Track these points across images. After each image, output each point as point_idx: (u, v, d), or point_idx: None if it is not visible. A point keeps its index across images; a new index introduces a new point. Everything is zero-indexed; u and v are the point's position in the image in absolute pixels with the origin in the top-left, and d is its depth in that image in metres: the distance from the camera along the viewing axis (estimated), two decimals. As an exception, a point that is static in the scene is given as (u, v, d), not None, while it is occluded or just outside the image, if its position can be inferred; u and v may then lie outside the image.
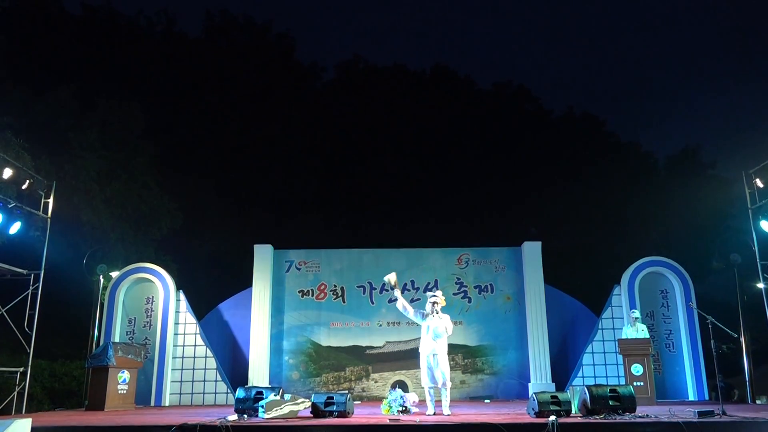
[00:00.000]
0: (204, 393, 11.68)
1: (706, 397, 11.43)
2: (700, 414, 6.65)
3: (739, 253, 12.46)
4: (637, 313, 10.60)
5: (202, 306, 13.30)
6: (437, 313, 7.87)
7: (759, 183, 11.12)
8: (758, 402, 11.01)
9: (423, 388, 7.95)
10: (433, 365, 7.69)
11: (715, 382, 10.73)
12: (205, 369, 11.80)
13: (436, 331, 7.75)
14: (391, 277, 8.16)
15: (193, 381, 11.76)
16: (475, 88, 27.00)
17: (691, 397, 11.48)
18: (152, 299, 12.18)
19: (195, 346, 11.95)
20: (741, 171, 11.60)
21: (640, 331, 10.23)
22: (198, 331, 12.02)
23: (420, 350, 7.88)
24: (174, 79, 21.40)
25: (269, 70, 23.78)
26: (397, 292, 8.15)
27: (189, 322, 12.08)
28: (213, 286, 16.35)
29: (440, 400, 7.77)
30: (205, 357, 11.86)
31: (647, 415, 6.80)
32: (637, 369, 9.80)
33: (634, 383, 9.43)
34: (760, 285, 11.22)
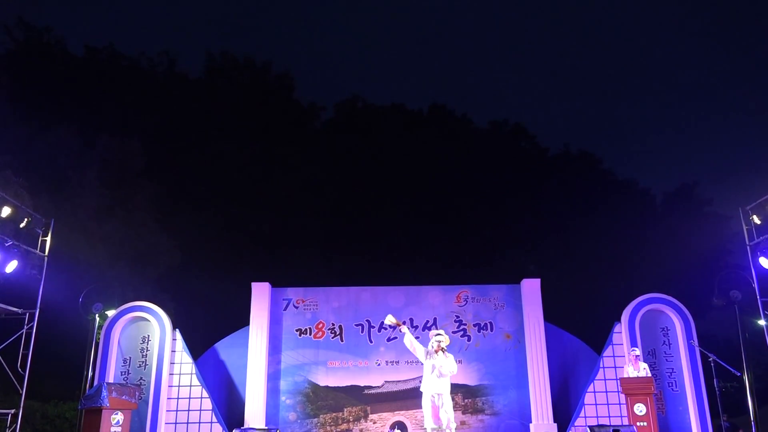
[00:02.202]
0: (199, 435, 11.43)
1: (711, 438, 11.21)
2: (705, 455, 6.52)
3: (739, 290, 12.41)
4: (638, 351, 10.50)
5: (199, 345, 13.13)
6: (442, 351, 7.78)
7: (756, 219, 11.19)
8: (764, 442, 10.80)
9: (425, 429, 7.80)
10: (437, 405, 7.55)
11: (719, 421, 10.57)
12: (200, 410, 11.58)
13: (441, 371, 7.64)
14: (390, 319, 8.08)
15: (188, 423, 11.53)
16: (471, 127, 27.39)
17: (696, 437, 11.26)
18: (148, 338, 12.04)
19: (190, 386, 11.76)
20: (738, 207, 11.67)
21: (642, 370, 10.11)
22: (194, 371, 11.84)
23: (423, 389, 7.74)
24: (174, 119, 21.69)
25: (269, 110, 24.13)
26: (404, 328, 8.07)
27: (185, 362, 11.92)
28: (210, 325, 16.21)
29: (442, 441, 7.62)
30: (201, 398, 11.66)
31: (651, 457, 6.66)
32: (639, 409, 9.65)
33: (638, 423, 9.28)
34: (761, 322, 11.16)
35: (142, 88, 22.13)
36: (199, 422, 11.48)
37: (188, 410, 11.57)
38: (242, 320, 12.90)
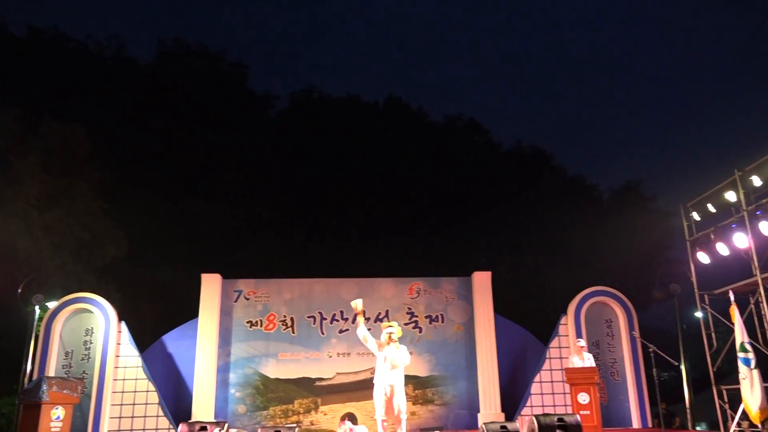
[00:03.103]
0: (145, 429, 11.16)
1: (649, 425, 11.64)
2: (644, 442, 6.76)
3: (679, 284, 12.91)
4: (582, 342, 10.78)
5: (146, 337, 12.81)
6: (394, 343, 7.79)
7: (696, 216, 11.63)
8: (698, 428, 11.29)
9: (375, 420, 7.80)
10: (389, 397, 7.55)
11: (657, 409, 10.98)
12: (146, 404, 11.29)
13: (393, 363, 7.65)
14: (358, 304, 8.00)
15: (133, 417, 11.23)
16: (426, 121, 27.48)
17: (635, 424, 11.67)
18: (92, 331, 11.65)
19: (136, 379, 11.45)
20: (679, 204, 12.11)
21: (587, 360, 10.38)
22: (140, 364, 11.54)
23: (376, 381, 7.73)
24: (123, 105, 20.98)
25: (222, 98, 23.62)
26: (361, 319, 8.02)
27: (131, 355, 11.59)
28: (157, 317, 15.84)
29: (394, 432, 7.65)
30: (147, 391, 11.37)
31: (593, 444, 6.86)
32: (583, 398, 9.91)
33: (581, 412, 9.53)
34: (698, 314, 11.64)
35: (88, 73, 21.31)
36: (145, 416, 11.21)
37: (134, 404, 11.28)
38: (191, 312, 12.64)
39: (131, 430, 11.15)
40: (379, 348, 7.77)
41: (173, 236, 19.10)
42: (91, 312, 11.64)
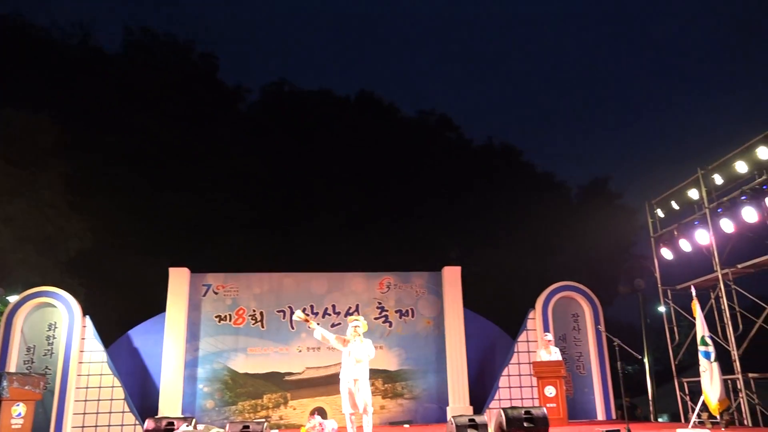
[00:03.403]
0: (110, 425, 10.98)
1: (613, 416, 11.91)
2: (608, 433, 6.92)
3: (643, 279, 13.22)
4: (550, 336, 10.96)
5: (112, 332, 12.57)
6: (359, 337, 7.78)
7: (660, 213, 11.91)
8: (660, 420, 11.58)
9: (344, 414, 7.80)
10: (354, 391, 7.56)
11: (621, 401, 11.23)
12: (111, 399, 11.10)
13: (357, 357, 7.65)
14: (299, 316, 7.93)
15: (97, 413, 11.04)
16: (398, 116, 27.46)
17: (600, 416, 11.93)
18: (55, 325, 11.40)
19: (101, 375, 11.25)
20: (644, 201, 12.39)
21: (553, 354, 10.56)
22: (105, 359, 11.33)
23: (341, 376, 7.73)
24: (89, 94, 20.46)
25: (191, 90, 23.21)
26: (312, 324, 7.97)
27: (95, 350, 11.38)
28: (124, 312, 15.54)
29: (362, 426, 7.66)
30: (112, 387, 11.17)
31: (559, 436, 6.99)
32: (550, 391, 10.09)
33: (547, 405, 9.70)
34: (662, 309, 11.93)
35: (53, 61, 20.73)
36: (110, 412, 11.02)
37: (98, 400, 11.08)
38: (158, 306, 12.46)
39: (96, 426, 10.95)
40: (343, 343, 7.76)
41: (140, 229, 18.75)
42: (54, 306, 11.39)
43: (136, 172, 20.03)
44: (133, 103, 21.25)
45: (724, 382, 8.11)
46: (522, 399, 11.88)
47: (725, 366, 8.85)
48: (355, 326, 7.74)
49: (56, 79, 20.00)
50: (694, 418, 8.17)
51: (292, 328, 12.64)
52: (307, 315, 7.98)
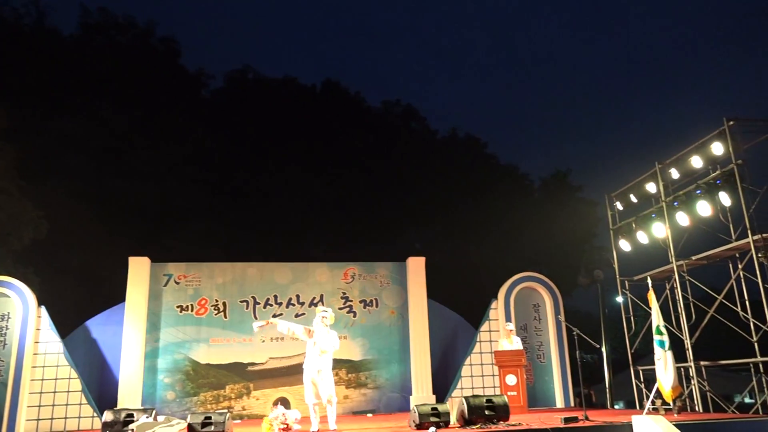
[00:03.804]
0: (66, 418, 10.73)
1: (572, 404, 12.23)
2: (566, 420, 7.12)
3: (602, 270, 13.58)
4: (511, 326, 11.17)
5: (69, 323, 12.28)
6: (326, 328, 7.80)
7: (619, 206, 12.23)
8: (616, 407, 11.95)
9: (307, 404, 7.82)
10: (317, 381, 7.58)
11: (579, 389, 11.55)
12: (68, 391, 10.86)
13: (322, 347, 7.67)
14: (257, 326, 7.94)
15: (53, 405, 10.78)
16: (364, 105, 27.40)
17: (559, 404, 12.23)
18: (8, 316, 11.06)
19: (57, 366, 10.98)
20: (604, 194, 12.70)
21: (515, 344, 10.77)
22: (61, 351, 11.06)
23: (305, 366, 7.75)
24: (43, 77, 19.80)
25: (151, 74, 22.67)
26: (273, 320, 7.97)
27: (51, 341, 11.09)
28: (82, 302, 15.20)
29: (325, 416, 7.70)
30: (69, 378, 10.92)
31: (519, 423, 7.16)
32: (511, 379, 10.29)
33: (508, 393, 9.91)
34: (619, 299, 12.28)
35: (4, 42, 19.97)
36: (67, 404, 10.78)
37: (54, 392, 10.82)
38: (118, 296, 12.24)
39: (52, 419, 10.71)
40: (308, 334, 7.78)
41: (98, 218, 18.29)
42: (7, 296, 11.04)
43: (92, 158, 19.52)
44: (90, 87, 20.66)
45: (677, 369, 8.43)
46: (484, 388, 12.09)
47: (678, 354, 9.19)
48: (323, 316, 7.75)
49: (7, 61, 19.28)
50: (648, 405, 8.47)
51: (256, 318, 12.56)
52: (266, 321, 7.97)
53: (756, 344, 9.36)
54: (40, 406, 10.72)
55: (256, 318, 12.52)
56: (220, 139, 22.53)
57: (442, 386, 12.51)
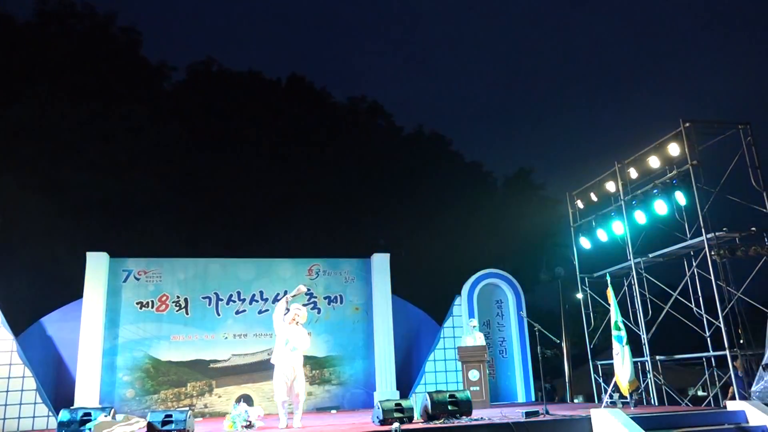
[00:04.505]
0: (20, 417, 10.41)
1: (533, 398, 12.48)
2: (527, 414, 7.26)
3: (563, 267, 13.86)
4: (474, 322, 11.32)
5: (22, 320, 11.92)
6: (299, 325, 7.78)
7: (580, 204, 12.51)
8: (576, 401, 12.24)
9: (273, 401, 7.77)
10: (290, 379, 7.54)
11: (541, 383, 11.79)
12: (22, 390, 10.53)
13: (295, 345, 7.64)
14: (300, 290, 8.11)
15: (6, 404, 10.45)
16: (330, 101, 27.26)
17: (521, 398, 12.46)
18: (-42, 312, 10.67)
19: (10, 364, 10.63)
20: (566, 193, 12.96)
21: (478, 339, 10.92)
22: (14, 348, 10.73)
23: (276, 362, 7.67)
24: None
25: (111, 65, 22.10)
26: (295, 300, 8.08)
27: (3, 338, 10.74)
28: (36, 298, 14.75)
29: (291, 413, 7.67)
30: (23, 377, 10.59)
31: (482, 418, 7.28)
32: (473, 375, 10.44)
33: (471, 388, 10.04)
34: (579, 295, 12.57)
35: (-46, 27, 19.23)
36: (21, 403, 10.46)
37: (7, 391, 10.49)
38: (75, 293, 11.93)
39: (4, 418, 10.38)
40: (282, 326, 7.73)
41: (53, 211, 17.75)
42: (-43, 292, 10.65)
43: (47, 149, 18.92)
44: (46, 76, 20.02)
45: (634, 364, 8.68)
46: (447, 383, 12.23)
47: (635, 349, 9.47)
48: (297, 314, 7.72)
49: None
50: (606, 399, 8.70)
51: (218, 315, 12.43)
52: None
53: (708, 339, 9.73)
54: (-9, 405, 10.37)
55: (218, 314, 12.39)
56: (182, 132, 22.11)
57: (406, 382, 12.60)
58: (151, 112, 21.65)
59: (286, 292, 12.67)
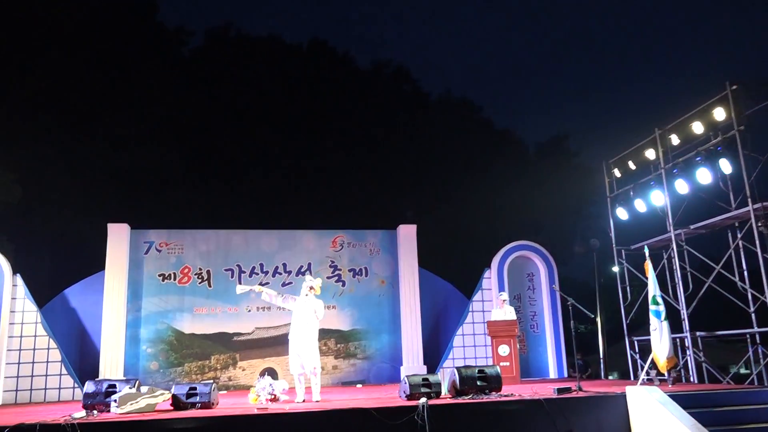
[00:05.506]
0: (46, 389, 10.82)
1: (565, 374, 12.49)
2: (559, 390, 7.27)
3: (598, 239, 13.71)
4: (505, 296, 11.31)
5: (46, 292, 12.27)
6: (307, 296, 7.88)
7: (617, 173, 12.29)
8: (610, 377, 12.20)
9: (292, 375, 7.94)
10: (301, 351, 7.68)
11: (573, 359, 11.77)
12: (47, 362, 10.91)
13: (305, 316, 7.76)
14: (241, 290, 8.09)
15: (32, 376, 10.85)
16: (353, 66, 27.07)
17: (552, 374, 12.48)
18: (-18, 284, 11.03)
19: (35, 336, 11.01)
20: (602, 161, 12.74)
21: (508, 314, 10.93)
22: (39, 320, 11.08)
23: (290, 336, 7.85)
24: (8, 32, 19.32)
25: (127, 31, 22.19)
26: (257, 288, 8.06)
27: (28, 310, 11.10)
28: (59, 270, 15.17)
29: (311, 387, 7.81)
30: (48, 348, 10.97)
31: (512, 394, 7.30)
32: (504, 350, 10.47)
33: (501, 363, 10.09)
34: (615, 269, 12.43)
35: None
36: (46, 375, 10.85)
37: (33, 362, 10.87)
38: (97, 265, 12.21)
39: (31, 389, 10.78)
40: (292, 301, 7.88)
41: (73, 182, 18.11)
42: (-20, 264, 10.99)
43: (65, 119, 19.21)
44: (60, 43, 20.19)
45: (673, 340, 8.60)
46: (476, 358, 12.29)
47: (674, 325, 9.37)
48: (310, 286, 7.84)
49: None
50: (643, 376, 8.66)
51: (241, 288, 12.60)
52: (250, 287, 8.10)
53: (753, 315, 9.56)
54: (18, 376, 10.77)
55: (241, 287, 12.56)
56: (202, 100, 22.23)
57: (433, 357, 12.70)
58: (169, 80, 21.77)
59: (310, 265, 12.87)
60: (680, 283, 10.67)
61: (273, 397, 7.80)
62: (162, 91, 21.36)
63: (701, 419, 6.33)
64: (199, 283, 12.48)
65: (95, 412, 6.58)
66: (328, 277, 12.78)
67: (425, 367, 12.35)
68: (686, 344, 10.39)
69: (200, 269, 12.54)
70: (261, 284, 12.47)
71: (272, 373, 11.82)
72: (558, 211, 21.25)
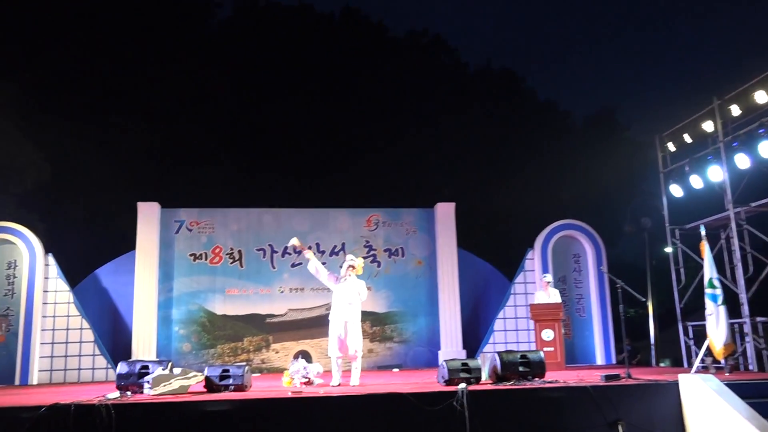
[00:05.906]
0: (80, 369, 11.23)
1: (613, 361, 12.37)
2: (607, 378, 7.22)
3: (650, 218, 13.43)
4: (549, 278, 11.21)
5: (77, 271, 12.66)
6: (355, 275, 7.94)
7: (671, 147, 11.97)
8: (662, 365, 12.04)
9: (330, 357, 8.04)
10: (343, 334, 7.75)
11: (622, 345, 11.64)
12: (80, 342, 11.32)
13: (349, 298, 7.81)
14: (294, 242, 8.16)
15: (66, 356, 11.26)
16: (387, 36, 26.84)
17: (599, 361, 12.38)
18: (15, 264, 11.44)
19: (68, 316, 11.41)
20: (654, 135, 12.42)
21: (552, 296, 10.84)
22: (71, 300, 11.46)
23: (330, 317, 7.93)
24: (36, 8, 19.72)
25: (153, 3, 22.43)
26: (308, 253, 8.15)
27: (60, 290, 11.49)
28: (90, 249, 15.56)
29: (349, 371, 7.91)
30: (81, 328, 11.36)
31: (556, 381, 7.28)
32: (547, 334, 10.41)
33: (544, 349, 10.03)
34: (668, 249, 12.18)
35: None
36: (80, 355, 11.25)
37: (66, 342, 11.29)
38: (128, 244, 12.53)
39: (65, 369, 11.20)
40: (335, 281, 7.92)
41: (104, 160, 18.50)
42: (13, 243, 11.40)
43: (94, 96, 19.60)
44: (86, 18, 20.52)
45: (731, 326, 8.42)
46: (518, 343, 12.27)
47: (732, 309, 9.16)
48: (351, 265, 7.87)
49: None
50: (697, 363, 8.53)
51: (273, 268, 12.80)
52: (302, 246, 8.19)
53: (819, 299, 9.29)
54: (52, 356, 11.20)
55: (273, 267, 12.75)
56: (231, 74, 22.38)
57: (472, 341, 12.72)
58: (199, 55, 21.96)
59: (344, 245, 12.96)
60: (739, 264, 10.39)
61: (307, 380, 7.94)
62: (191, 65, 21.57)
63: (760, 410, 6.21)
64: (231, 263, 12.70)
65: (129, 393, 6.80)
66: (363, 257, 12.83)
67: (464, 351, 12.39)
68: (745, 330, 10.15)
69: (231, 249, 12.76)
70: (293, 265, 12.71)
71: (306, 355, 12.02)
72: (606, 188, 20.82)
